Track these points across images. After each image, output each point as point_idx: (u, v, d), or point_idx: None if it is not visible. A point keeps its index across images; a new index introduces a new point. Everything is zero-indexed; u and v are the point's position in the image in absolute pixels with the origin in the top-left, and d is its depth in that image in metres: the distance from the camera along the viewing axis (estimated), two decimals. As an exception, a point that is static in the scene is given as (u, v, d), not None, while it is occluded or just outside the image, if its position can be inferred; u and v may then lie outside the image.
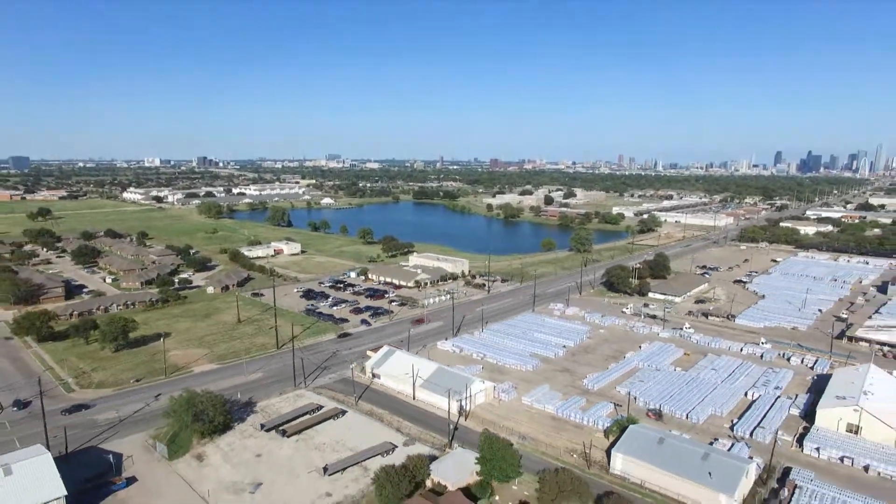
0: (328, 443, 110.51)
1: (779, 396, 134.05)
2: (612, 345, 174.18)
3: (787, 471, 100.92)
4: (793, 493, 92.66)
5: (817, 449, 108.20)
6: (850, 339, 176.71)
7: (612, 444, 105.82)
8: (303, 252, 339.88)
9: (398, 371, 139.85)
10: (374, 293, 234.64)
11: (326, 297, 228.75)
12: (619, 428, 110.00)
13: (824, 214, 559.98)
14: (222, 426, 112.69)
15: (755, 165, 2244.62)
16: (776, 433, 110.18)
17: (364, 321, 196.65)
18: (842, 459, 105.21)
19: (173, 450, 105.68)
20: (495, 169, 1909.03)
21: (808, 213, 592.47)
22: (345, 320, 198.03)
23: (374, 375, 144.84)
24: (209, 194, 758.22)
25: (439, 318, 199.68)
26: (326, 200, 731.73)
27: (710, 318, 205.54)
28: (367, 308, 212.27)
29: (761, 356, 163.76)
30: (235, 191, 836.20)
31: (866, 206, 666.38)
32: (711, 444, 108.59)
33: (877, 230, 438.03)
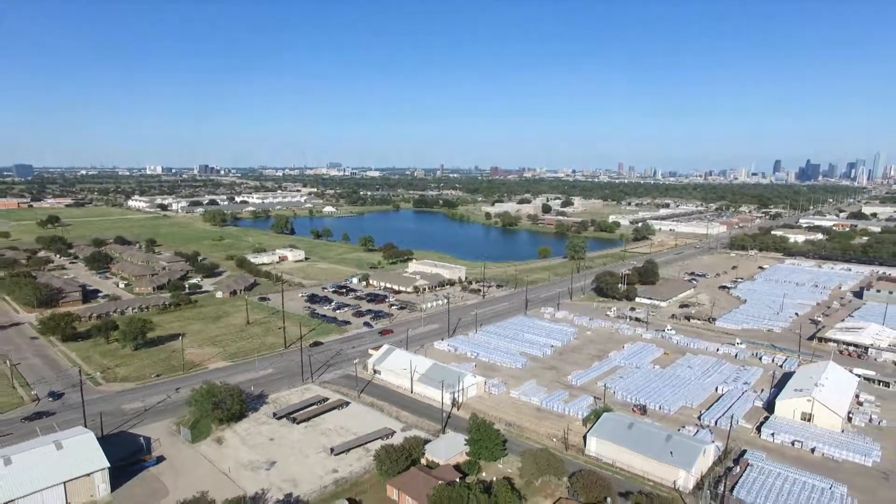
0: (334, 429, 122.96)
1: (746, 391, 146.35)
2: (597, 345, 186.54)
3: (743, 452, 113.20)
4: (744, 470, 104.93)
5: (772, 434, 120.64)
6: (820, 339, 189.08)
7: (589, 430, 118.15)
8: (306, 259, 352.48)
9: (397, 367, 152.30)
10: (375, 298, 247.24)
11: (330, 301, 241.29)
12: (595, 416, 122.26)
13: (816, 223, 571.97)
14: (238, 414, 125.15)
15: (754, 174, 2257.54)
16: (732, 419, 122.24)
17: (366, 323, 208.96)
18: (793, 443, 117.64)
19: (196, 434, 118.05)
20: (495, 177, 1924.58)
21: (801, 221, 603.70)
22: (347, 322, 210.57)
23: (375, 371, 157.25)
24: (213, 202, 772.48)
25: (436, 321, 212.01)
26: (328, 209, 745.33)
27: (691, 320, 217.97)
28: (369, 311, 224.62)
29: (735, 355, 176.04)
30: (238, 199, 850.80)
31: (858, 215, 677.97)
32: (679, 430, 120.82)
33: (865, 238, 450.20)
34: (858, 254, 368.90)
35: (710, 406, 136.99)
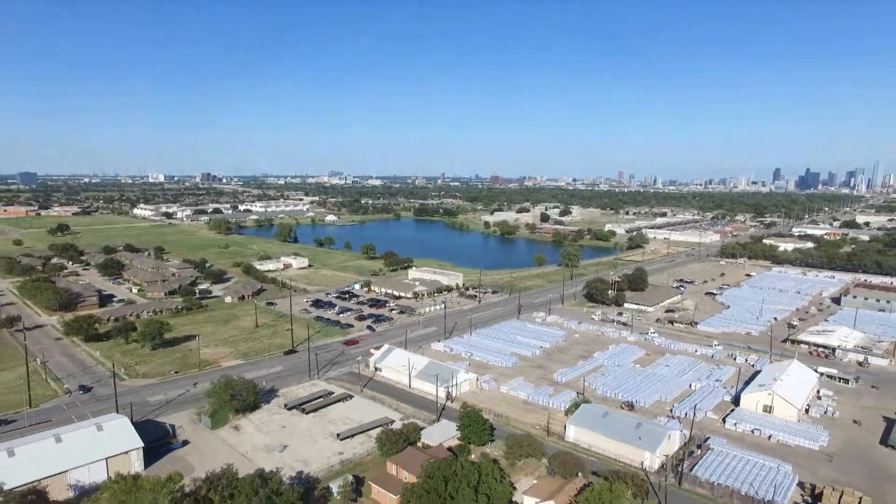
0: (339, 418, 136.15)
1: (717, 387, 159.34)
2: (583, 346, 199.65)
3: (706, 439, 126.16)
4: (705, 453, 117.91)
5: (735, 424, 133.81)
6: (793, 341, 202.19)
7: (569, 419, 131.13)
8: (310, 266, 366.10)
9: (397, 365, 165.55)
10: (377, 303, 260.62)
11: (333, 306, 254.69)
12: (576, 406, 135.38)
13: (808, 231, 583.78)
14: (253, 405, 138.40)
15: (754, 182, 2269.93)
16: (695, 409, 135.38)
17: (369, 327, 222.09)
18: (753, 431, 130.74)
19: (215, 422, 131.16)
20: (496, 186, 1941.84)
21: (794, 230, 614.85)
22: (350, 325, 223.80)
23: (376, 369, 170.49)
24: (217, 211, 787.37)
25: (434, 325, 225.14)
26: (330, 217, 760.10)
27: (674, 324, 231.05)
28: (370, 315, 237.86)
29: (712, 356, 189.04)
30: (242, 207, 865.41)
31: (851, 224, 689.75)
32: (651, 420, 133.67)
33: (853, 247, 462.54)
34: (843, 262, 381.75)
35: (683, 400, 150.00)
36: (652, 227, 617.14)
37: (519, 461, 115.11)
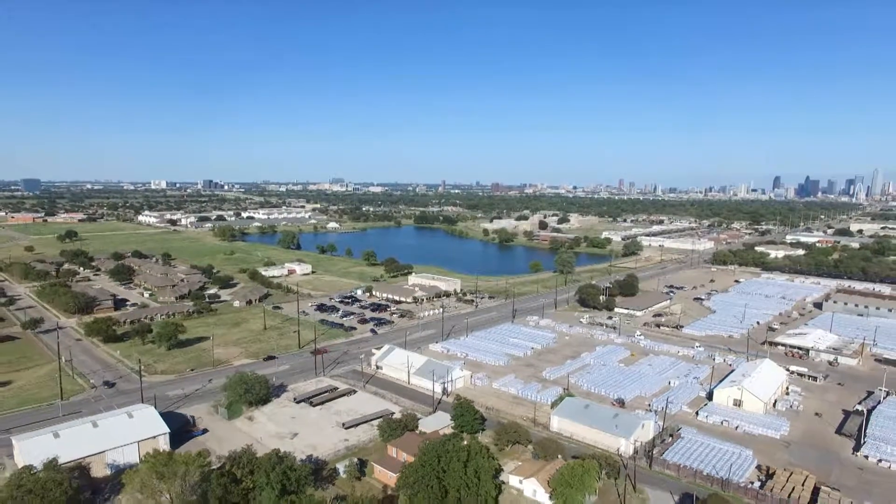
0: (344, 410, 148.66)
1: (694, 384, 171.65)
2: (573, 348, 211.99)
3: (679, 429, 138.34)
4: (675, 440, 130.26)
5: (706, 416, 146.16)
6: (771, 343, 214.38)
7: (553, 411, 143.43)
8: (313, 272, 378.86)
9: (396, 363, 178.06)
10: (378, 307, 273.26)
11: (337, 309, 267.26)
12: (560, 400, 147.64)
13: (802, 239, 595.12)
14: (265, 398, 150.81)
15: (753, 190, 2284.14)
16: (667, 402, 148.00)
17: (372, 330, 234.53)
18: (722, 422, 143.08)
19: (231, 413, 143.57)
20: (496, 193, 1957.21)
21: (787, 237, 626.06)
22: (353, 328, 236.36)
23: (377, 367, 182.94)
24: (220, 218, 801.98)
25: (432, 328, 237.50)
26: (332, 224, 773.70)
27: (661, 327, 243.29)
28: (372, 319, 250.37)
29: (693, 357, 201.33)
30: (244, 214, 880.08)
31: (844, 232, 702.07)
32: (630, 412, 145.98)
33: (843, 254, 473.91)
34: (830, 269, 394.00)
35: (661, 395, 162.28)
36: (647, 235, 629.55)
37: (507, 447, 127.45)
